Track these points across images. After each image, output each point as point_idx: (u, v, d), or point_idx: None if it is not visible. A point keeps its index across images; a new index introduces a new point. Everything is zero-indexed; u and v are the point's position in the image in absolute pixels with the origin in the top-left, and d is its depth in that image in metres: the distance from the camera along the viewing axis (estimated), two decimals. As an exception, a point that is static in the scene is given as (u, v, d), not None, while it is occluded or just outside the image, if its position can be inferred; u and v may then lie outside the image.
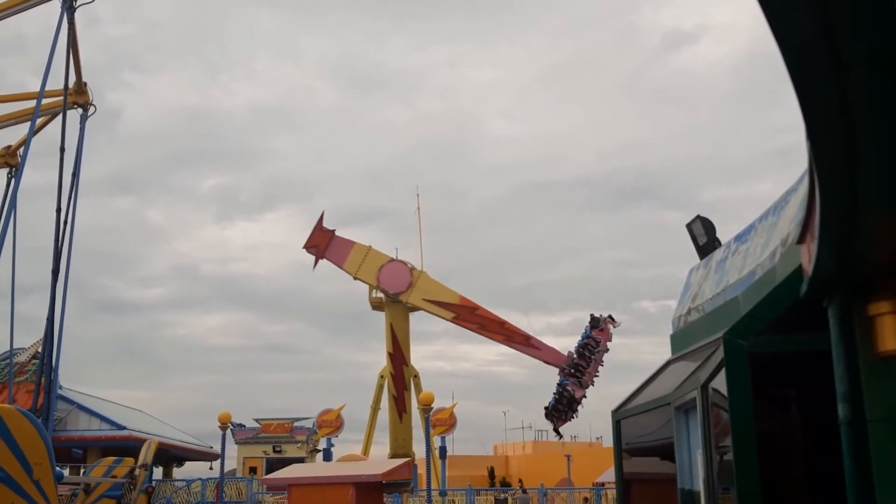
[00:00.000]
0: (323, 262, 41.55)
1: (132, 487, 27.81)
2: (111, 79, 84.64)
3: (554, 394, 39.54)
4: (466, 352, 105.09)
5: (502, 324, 40.82)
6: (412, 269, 42.09)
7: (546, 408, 39.60)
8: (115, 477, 27.46)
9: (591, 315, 39.82)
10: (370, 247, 42.14)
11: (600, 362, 39.26)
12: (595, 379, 39.03)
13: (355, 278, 41.69)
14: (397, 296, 41.77)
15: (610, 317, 39.56)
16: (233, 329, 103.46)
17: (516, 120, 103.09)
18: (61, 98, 26.64)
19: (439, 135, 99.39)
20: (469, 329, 41.14)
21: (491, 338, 41.09)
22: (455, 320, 41.14)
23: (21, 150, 27.50)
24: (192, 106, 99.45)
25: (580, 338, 39.84)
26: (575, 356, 39.42)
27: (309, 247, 41.63)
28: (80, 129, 27.80)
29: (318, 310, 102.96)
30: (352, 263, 41.56)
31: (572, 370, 39.07)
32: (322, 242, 41.47)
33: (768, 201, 5.50)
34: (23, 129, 27.79)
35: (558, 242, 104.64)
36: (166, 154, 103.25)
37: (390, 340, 43.24)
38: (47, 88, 25.20)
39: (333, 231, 41.87)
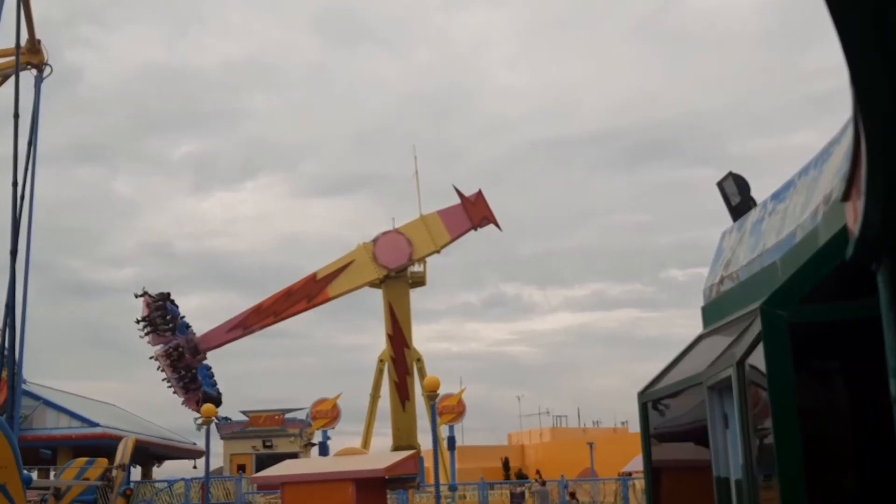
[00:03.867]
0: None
1: (109, 490, 28.08)
2: (69, 35, 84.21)
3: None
4: (475, 330, 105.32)
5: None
6: (412, 260, 42.20)
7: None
8: (88, 479, 27.67)
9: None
10: (439, 251, 42.48)
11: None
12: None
13: (421, 215, 42.23)
14: (395, 271, 41.98)
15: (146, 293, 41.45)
16: (213, 311, 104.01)
17: (520, 70, 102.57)
18: (13, 58, 26.55)
19: (434, 90, 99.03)
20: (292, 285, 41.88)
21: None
22: (311, 277, 41.91)
23: (-30, 117, 27.48)
24: (161, 64, 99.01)
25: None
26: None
27: (479, 195, 41.87)
28: (36, 92, 27.74)
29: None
30: (434, 224, 42.07)
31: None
32: (475, 210, 41.73)
33: (808, 154, 5.48)
34: (-29, 95, 27.76)
35: (571, 206, 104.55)
36: (134, 118, 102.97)
37: (389, 320, 43.37)
38: (-3, 48, 25.13)
39: (475, 228, 42.14)
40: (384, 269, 41.70)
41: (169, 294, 41.09)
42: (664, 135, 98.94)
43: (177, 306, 41.04)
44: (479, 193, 42.05)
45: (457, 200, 42.39)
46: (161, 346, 40.38)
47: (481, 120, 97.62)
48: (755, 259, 5.80)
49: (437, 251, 42.07)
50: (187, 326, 41.09)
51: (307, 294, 41.21)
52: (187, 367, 40.31)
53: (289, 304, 41.21)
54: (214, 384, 42.04)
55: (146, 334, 40.48)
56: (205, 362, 42.04)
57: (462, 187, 42.29)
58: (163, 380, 41.31)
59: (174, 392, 41.38)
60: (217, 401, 40.74)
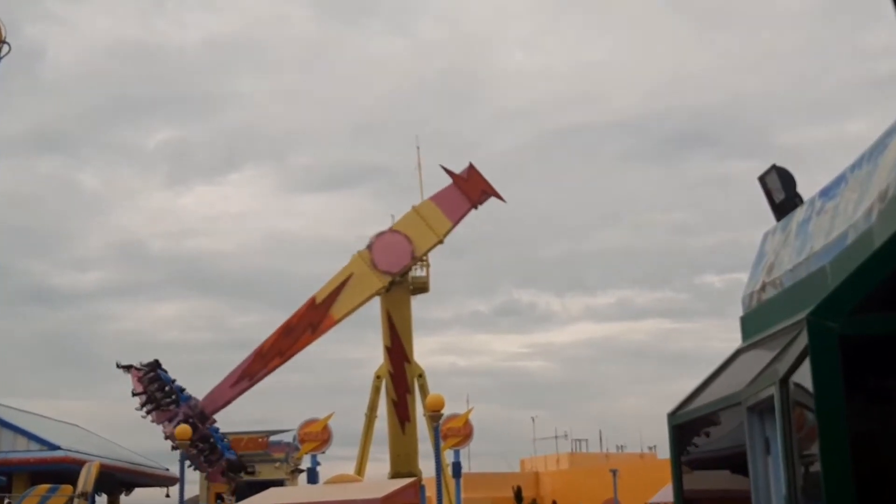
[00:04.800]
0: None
1: (71, 521, 28.18)
2: (30, 9, 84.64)
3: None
4: (484, 343, 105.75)
5: (281, 354, 41.26)
6: (415, 258, 42.08)
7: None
8: (50, 508, 27.80)
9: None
10: (442, 242, 42.46)
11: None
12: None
13: (413, 207, 42.41)
14: (400, 274, 41.90)
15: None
16: (191, 321, 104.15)
17: (540, 50, 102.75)
18: (-35, 35, 26.61)
19: (444, 72, 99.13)
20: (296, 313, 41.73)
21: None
22: (310, 301, 41.65)
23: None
24: (135, 41, 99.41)
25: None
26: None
27: (471, 169, 41.98)
28: (-9, 73, 27.86)
29: (298, 295, 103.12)
30: (430, 211, 42.09)
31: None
32: (471, 187, 41.74)
33: (862, 145, 5.47)
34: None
35: (597, 204, 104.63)
36: (103, 103, 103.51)
37: (388, 331, 43.40)
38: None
39: (475, 206, 42.09)
40: (388, 276, 41.57)
41: (158, 361, 40.71)
42: (703, 123, 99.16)
43: (166, 371, 40.59)
44: (471, 167, 42.06)
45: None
46: (166, 422, 39.79)
47: (496, 106, 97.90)
48: (801, 263, 5.79)
49: (441, 241, 41.99)
50: (182, 390, 40.72)
51: (310, 323, 41.01)
52: (203, 438, 39.85)
53: (292, 339, 41.02)
54: (229, 446, 41.57)
55: (147, 413, 39.89)
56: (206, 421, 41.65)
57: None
58: (173, 447, 40.95)
59: (195, 468, 41.01)
60: (239, 466, 40.68)
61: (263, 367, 40.72)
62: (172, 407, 39.64)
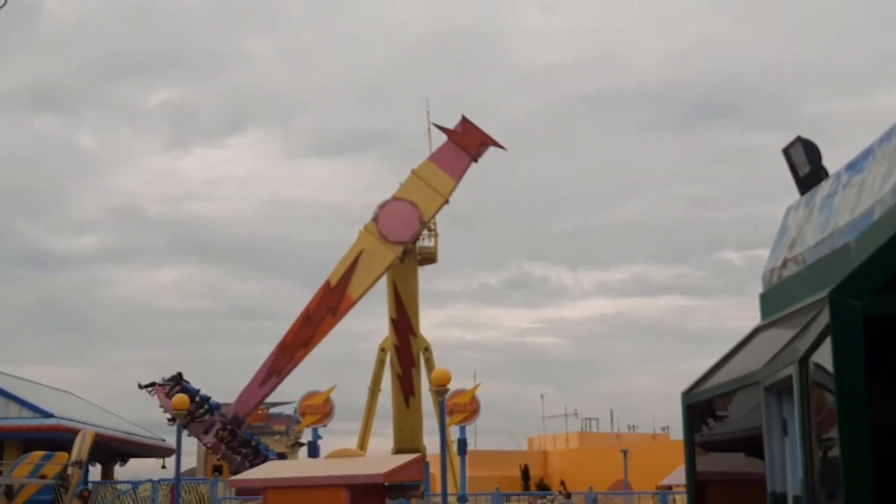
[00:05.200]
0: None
1: (63, 490, 28.38)
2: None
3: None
4: (493, 317, 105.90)
5: (306, 344, 41.15)
6: (424, 222, 42.06)
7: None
8: (44, 477, 28.00)
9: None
10: (448, 201, 42.38)
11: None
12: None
13: (412, 172, 42.38)
14: (412, 242, 41.91)
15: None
16: (190, 288, 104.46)
17: (557, 12, 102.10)
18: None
19: (456, 33, 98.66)
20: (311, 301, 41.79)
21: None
22: (325, 286, 41.57)
23: None
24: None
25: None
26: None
27: (464, 121, 42.03)
28: (-14, 26, 27.84)
29: (300, 263, 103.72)
30: (431, 172, 41.93)
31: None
32: (468, 140, 41.74)
33: (891, 118, 5.44)
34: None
35: (613, 174, 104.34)
36: (101, 60, 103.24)
37: (393, 303, 43.50)
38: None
39: (476, 159, 42.06)
40: (399, 246, 41.56)
41: (181, 374, 40.81)
42: (725, 92, 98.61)
43: (188, 382, 40.57)
44: (464, 120, 42.07)
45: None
46: (202, 434, 39.95)
47: (511, 70, 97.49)
48: (825, 239, 5.78)
49: (447, 201, 41.98)
50: (208, 399, 40.77)
51: (329, 307, 40.99)
52: (244, 443, 39.94)
53: (313, 327, 40.95)
54: (266, 447, 41.61)
55: (184, 427, 39.95)
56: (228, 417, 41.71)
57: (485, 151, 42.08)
58: (216, 458, 41.10)
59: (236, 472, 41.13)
60: None
61: (290, 359, 40.73)
62: (207, 417, 39.72)
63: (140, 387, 40.31)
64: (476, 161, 41.70)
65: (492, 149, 41.34)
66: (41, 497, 27.65)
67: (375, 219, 41.61)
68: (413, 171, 41.98)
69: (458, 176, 41.78)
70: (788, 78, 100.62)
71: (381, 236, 41.22)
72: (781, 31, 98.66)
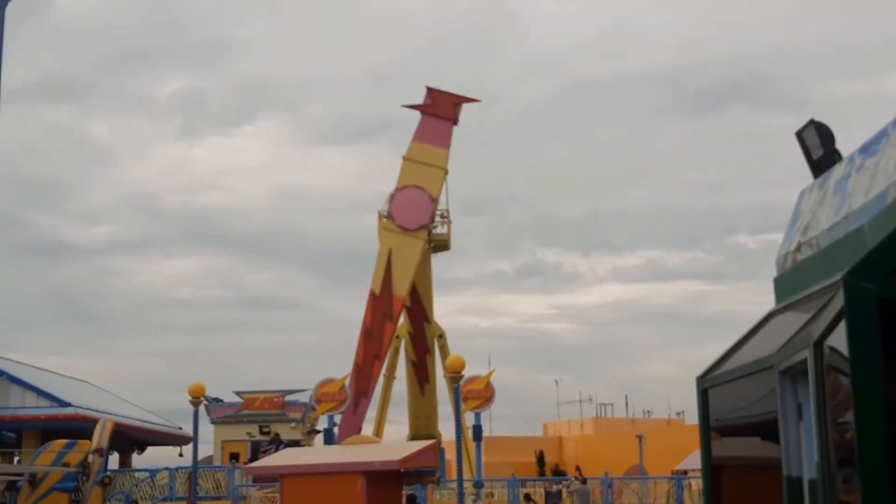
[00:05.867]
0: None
1: (84, 478, 28.53)
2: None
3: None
4: (507, 303, 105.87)
5: (377, 357, 41.47)
6: (435, 199, 42.29)
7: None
8: (67, 465, 28.15)
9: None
10: (447, 171, 43.00)
11: None
12: None
13: (403, 159, 42.97)
14: (425, 228, 42.12)
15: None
16: (204, 278, 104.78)
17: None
18: (-29, -22, 26.57)
19: (467, 18, 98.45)
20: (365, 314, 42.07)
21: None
22: (371, 296, 41.99)
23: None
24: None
25: None
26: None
27: (430, 93, 42.87)
28: (-1, 18, 27.83)
29: (315, 251, 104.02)
30: (421, 151, 42.53)
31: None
32: (441, 106, 42.52)
33: (906, 99, 5.40)
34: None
35: (626, 160, 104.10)
36: (113, 50, 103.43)
37: (407, 291, 43.54)
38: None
39: (456, 121, 42.87)
40: (422, 231, 42.00)
41: (278, 435, 41.32)
42: (740, 76, 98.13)
43: (283, 441, 40.98)
44: (429, 90, 43.04)
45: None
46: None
47: (522, 55, 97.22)
48: (839, 222, 5.76)
49: (446, 171, 42.80)
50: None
51: (383, 314, 41.50)
52: None
53: (377, 339, 41.46)
54: None
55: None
56: None
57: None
58: None
59: None
60: None
61: (369, 378, 41.20)
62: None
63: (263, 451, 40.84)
64: (456, 123, 42.70)
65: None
66: (63, 485, 27.83)
67: (389, 215, 41.93)
68: (404, 157, 42.52)
69: (446, 143, 42.50)
70: (802, 60, 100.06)
71: (402, 229, 41.58)
72: (794, 15, 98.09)
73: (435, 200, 42.48)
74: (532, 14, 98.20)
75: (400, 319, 42.31)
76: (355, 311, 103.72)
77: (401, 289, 41.36)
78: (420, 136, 42.58)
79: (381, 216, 42.33)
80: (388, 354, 44.88)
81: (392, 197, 42.14)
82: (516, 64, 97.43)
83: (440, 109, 42.37)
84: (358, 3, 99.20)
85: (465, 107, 42.59)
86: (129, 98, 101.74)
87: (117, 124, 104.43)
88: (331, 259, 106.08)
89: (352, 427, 40.52)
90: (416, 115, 42.68)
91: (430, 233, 42.56)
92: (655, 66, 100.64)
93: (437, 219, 43.50)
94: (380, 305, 41.28)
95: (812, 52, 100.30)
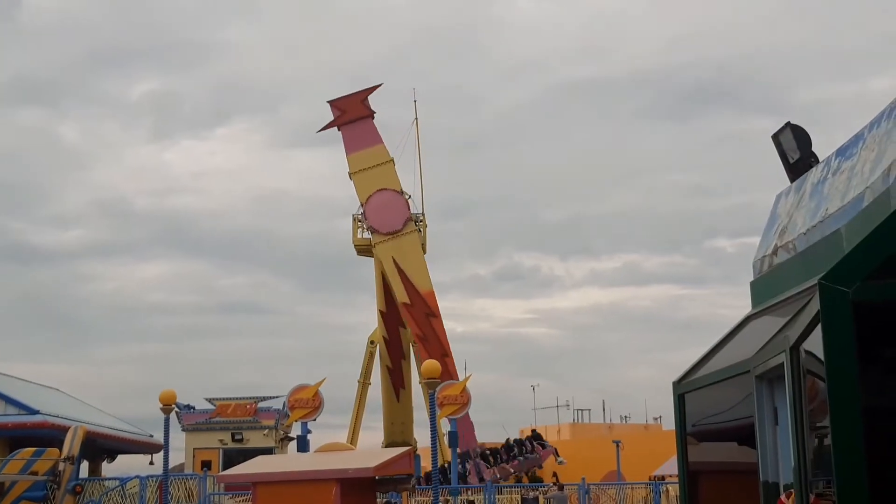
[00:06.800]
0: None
1: (55, 486, 28.33)
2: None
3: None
4: (484, 308, 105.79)
5: (445, 354, 41.59)
6: (409, 199, 42.80)
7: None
8: (35, 473, 27.93)
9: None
10: (393, 160, 43.81)
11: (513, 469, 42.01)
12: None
13: (350, 176, 43.81)
14: (387, 235, 42.47)
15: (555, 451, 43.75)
16: (177, 282, 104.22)
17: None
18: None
19: (447, 21, 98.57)
20: (410, 328, 42.66)
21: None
22: (405, 308, 42.38)
23: None
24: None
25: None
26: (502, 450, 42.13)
27: (334, 106, 43.71)
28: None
29: (289, 256, 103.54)
30: (361, 159, 43.14)
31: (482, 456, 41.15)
32: (351, 111, 43.26)
33: (885, 103, 5.44)
34: None
35: (607, 164, 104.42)
36: (84, 51, 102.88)
37: (382, 295, 43.49)
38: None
39: (372, 114, 43.91)
40: (409, 225, 43.21)
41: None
42: (722, 78, 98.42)
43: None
44: (332, 104, 44.30)
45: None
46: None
47: (502, 59, 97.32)
48: (815, 226, 5.79)
49: (393, 161, 44.00)
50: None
51: (425, 315, 42.46)
52: None
53: (433, 338, 42.19)
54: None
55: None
56: None
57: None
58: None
59: None
60: None
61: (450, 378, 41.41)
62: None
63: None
64: (373, 116, 43.89)
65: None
66: (33, 493, 27.61)
67: (373, 230, 42.63)
68: (350, 174, 43.97)
69: (377, 138, 43.85)
70: (783, 62, 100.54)
71: (391, 234, 42.22)
72: (777, 15, 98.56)
73: (402, 192, 43.43)
74: (512, 17, 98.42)
75: (437, 308, 43.07)
76: (330, 316, 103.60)
77: (425, 284, 42.47)
78: (350, 147, 43.76)
79: (373, 236, 42.96)
80: (363, 360, 44.84)
81: (363, 215, 42.96)
82: (497, 66, 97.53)
83: (352, 113, 43.57)
84: (335, 4, 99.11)
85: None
86: (101, 100, 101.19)
87: (88, 127, 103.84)
88: (306, 264, 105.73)
89: (470, 440, 41.60)
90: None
91: (416, 222, 43.16)
92: (637, 69, 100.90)
93: (412, 224, 43.75)
94: (416, 310, 42.27)
95: (794, 56, 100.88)
